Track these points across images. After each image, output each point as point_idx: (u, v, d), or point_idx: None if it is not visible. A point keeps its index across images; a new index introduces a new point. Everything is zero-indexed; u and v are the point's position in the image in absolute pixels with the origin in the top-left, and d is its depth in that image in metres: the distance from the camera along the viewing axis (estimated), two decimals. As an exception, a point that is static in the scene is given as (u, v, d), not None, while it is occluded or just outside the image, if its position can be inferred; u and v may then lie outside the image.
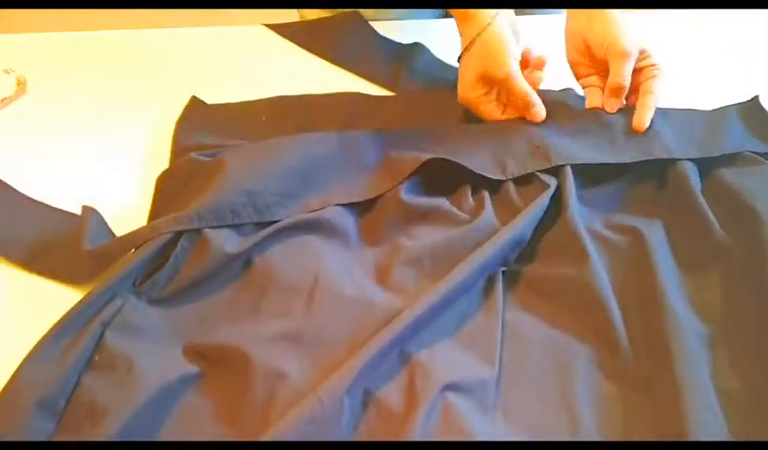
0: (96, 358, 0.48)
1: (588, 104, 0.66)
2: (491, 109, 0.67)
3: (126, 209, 0.61)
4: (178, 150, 0.67)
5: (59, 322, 0.49)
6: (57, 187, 0.65)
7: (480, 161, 0.60)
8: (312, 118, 0.70)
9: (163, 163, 0.67)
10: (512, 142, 0.62)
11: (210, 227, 0.55)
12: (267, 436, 0.41)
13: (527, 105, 0.65)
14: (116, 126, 0.73)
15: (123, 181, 0.66)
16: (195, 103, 0.72)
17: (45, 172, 0.67)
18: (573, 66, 0.69)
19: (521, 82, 0.64)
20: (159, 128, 0.72)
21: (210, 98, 0.74)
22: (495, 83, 0.66)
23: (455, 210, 0.58)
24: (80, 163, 0.68)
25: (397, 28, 0.89)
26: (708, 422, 0.43)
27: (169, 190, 0.61)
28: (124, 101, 0.76)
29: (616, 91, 0.63)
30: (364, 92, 0.75)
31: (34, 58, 0.80)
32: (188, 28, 0.88)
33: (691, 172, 0.59)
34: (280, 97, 0.73)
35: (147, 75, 0.80)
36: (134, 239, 0.55)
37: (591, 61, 0.67)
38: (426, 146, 0.62)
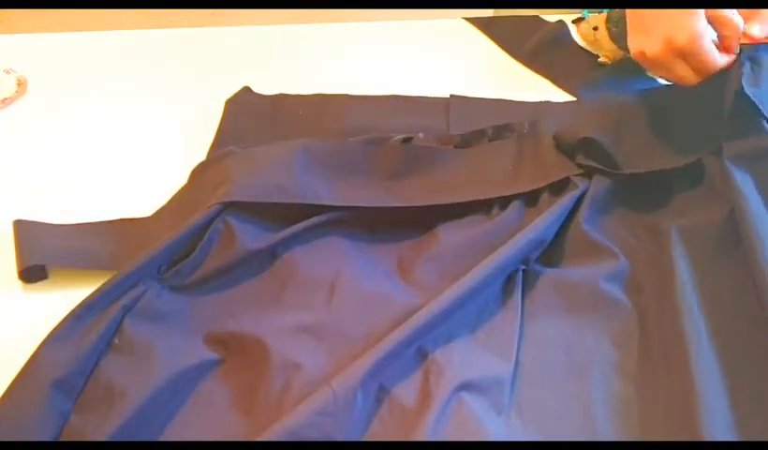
0: (116, 341, 0.48)
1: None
2: (680, 71, 0.59)
3: (126, 210, 0.61)
4: (223, 131, 0.70)
5: (81, 304, 0.49)
6: (57, 187, 0.65)
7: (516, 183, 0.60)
8: (345, 117, 0.71)
9: (161, 164, 0.67)
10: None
11: (256, 203, 0.56)
12: (279, 425, 0.41)
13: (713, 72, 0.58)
14: (117, 126, 0.73)
15: (123, 181, 0.66)
16: (246, 90, 0.76)
17: (45, 173, 0.67)
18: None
19: (714, 55, 0.57)
20: (160, 129, 0.72)
21: (211, 98, 0.75)
22: (689, 56, 0.58)
23: (482, 211, 0.59)
24: (80, 163, 0.68)
25: (398, 27, 0.89)
26: (722, 426, 0.43)
27: (206, 178, 0.62)
28: (124, 102, 0.76)
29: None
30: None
31: (34, 58, 0.80)
32: (187, 29, 0.88)
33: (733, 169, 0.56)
34: (321, 94, 0.75)
35: (147, 76, 0.80)
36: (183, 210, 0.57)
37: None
38: (463, 169, 0.62)
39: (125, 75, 0.80)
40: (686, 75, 0.60)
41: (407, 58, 0.84)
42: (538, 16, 0.90)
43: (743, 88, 0.56)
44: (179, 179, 0.64)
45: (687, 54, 0.58)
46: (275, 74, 0.79)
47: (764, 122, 0.58)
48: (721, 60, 0.58)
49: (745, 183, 0.55)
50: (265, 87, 0.76)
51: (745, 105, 0.57)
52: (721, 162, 0.57)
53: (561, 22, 0.86)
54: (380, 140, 0.64)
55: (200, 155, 0.67)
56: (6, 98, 0.74)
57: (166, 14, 0.89)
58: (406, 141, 0.64)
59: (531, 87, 0.78)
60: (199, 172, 0.63)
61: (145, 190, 0.63)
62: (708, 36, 0.58)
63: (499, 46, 0.86)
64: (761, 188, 0.55)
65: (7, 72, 0.76)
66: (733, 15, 0.58)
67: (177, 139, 0.71)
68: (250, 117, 0.72)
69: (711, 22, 0.58)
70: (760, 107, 0.57)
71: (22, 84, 0.76)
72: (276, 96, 0.75)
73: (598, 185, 0.59)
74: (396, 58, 0.84)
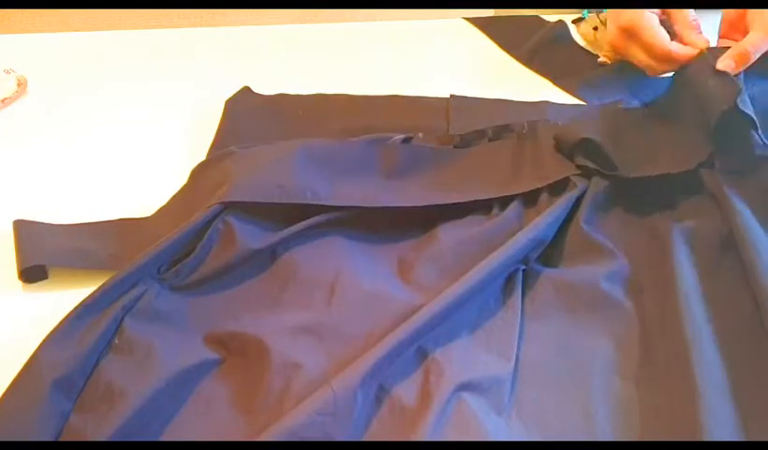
0: (116, 341, 0.48)
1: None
2: (638, 55, 0.68)
3: (127, 210, 0.61)
4: (223, 131, 0.70)
5: (81, 303, 0.49)
6: (57, 187, 0.65)
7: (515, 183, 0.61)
8: (345, 117, 0.71)
9: (161, 164, 0.67)
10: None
11: (256, 203, 0.56)
12: (279, 425, 0.41)
13: (666, 57, 0.65)
14: (117, 126, 0.73)
15: (123, 182, 0.66)
16: (246, 90, 0.76)
17: (45, 173, 0.66)
18: (727, 21, 0.68)
19: (657, 34, 0.65)
20: (160, 129, 0.72)
21: (211, 98, 0.75)
22: (634, 36, 0.67)
23: (482, 210, 0.59)
24: (80, 164, 0.68)
25: (398, 27, 0.89)
26: (725, 428, 0.42)
27: (205, 178, 0.62)
28: (124, 102, 0.76)
29: (740, 56, 0.62)
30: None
31: (34, 58, 0.80)
32: (187, 29, 0.88)
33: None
34: (321, 94, 0.75)
35: (147, 76, 0.80)
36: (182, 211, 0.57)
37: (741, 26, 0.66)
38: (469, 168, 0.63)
39: (126, 75, 0.80)
40: (642, 58, 0.67)
41: (408, 58, 0.84)
42: (538, 16, 0.90)
43: (737, 105, 0.57)
44: (179, 179, 0.64)
45: (632, 34, 0.67)
46: (275, 74, 0.79)
47: (755, 136, 0.59)
48: (675, 47, 0.65)
49: (737, 199, 0.56)
50: (265, 87, 0.76)
51: (737, 120, 0.58)
52: (714, 176, 0.58)
53: (561, 22, 0.86)
54: (380, 140, 0.64)
55: (200, 155, 0.67)
56: (6, 98, 0.74)
57: (166, 14, 0.89)
58: (406, 141, 0.64)
59: (531, 87, 0.78)
60: (198, 173, 0.63)
61: (145, 190, 0.63)
62: (652, 19, 0.66)
63: (499, 45, 0.86)
64: (753, 203, 0.56)
65: (7, 72, 0.76)
66: (683, 11, 0.66)
67: (177, 139, 0.71)
68: (250, 117, 0.72)
69: (666, 18, 0.65)
70: (755, 119, 0.58)
71: (21, 84, 0.76)
72: (276, 96, 0.75)
73: (599, 185, 0.59)
74: (396, 58, 0.84)
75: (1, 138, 0.70)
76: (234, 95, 0.74)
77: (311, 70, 0.81)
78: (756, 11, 0.64)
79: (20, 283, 0.55)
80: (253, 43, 0.86)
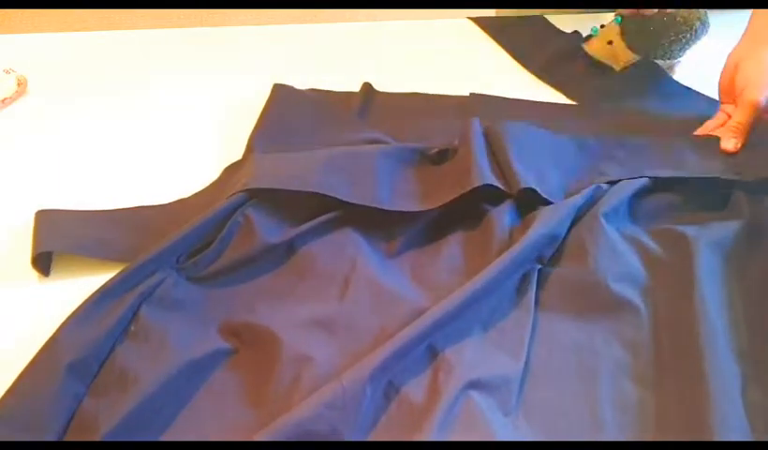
0: (132, 328, 0.49)
1: (708, 125, 0.67)
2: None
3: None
4: (262, 130, 0.69)
5: (100, 289, 0.50)
6: (56, 188, 0.65)
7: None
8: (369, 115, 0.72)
9: (159, 164, 0.67)
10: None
11: (275, 191, 0.56)
12: (286, 417, 0.41)
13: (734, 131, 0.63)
14: (116, 126, 0.72)
15: (122, 183, 0.66)
16: (281, 88, 0.74)
17: (45, 173, 0.66)
18: (722, 90, 0.68)
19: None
20: (160, 129, 0.72)
21: (211, 98, 0.74)
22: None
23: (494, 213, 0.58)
24: (79, 164, 0.68)
25: (404, 27, 0.89)
26: (735, 434, 0.42)
27: (232, 176, 0.62)
28: (123, 102, 0.76)
29: (732, 130, 0.63)
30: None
31: (34, 58, 0.80)
32: (187, 28, 0.88)
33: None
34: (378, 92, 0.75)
35: (147, 75, 0.80)
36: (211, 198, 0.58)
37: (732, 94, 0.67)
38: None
39: (125, 75, 0.80)
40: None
41: (409, 59, 0.84)
42: (543, 17, 0.89)
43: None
44: (179, 179, 0.64)
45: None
46: (275, 74, 0.79)
47: None
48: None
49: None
50: (264, 87, 0.76)
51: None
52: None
53: (575, 34, 0.85)
54: (401, 148, 0.64)
55: (198, 153, 0.67)
56: (6, 98, 0.74)
57: (166, 14, 0.89)
58: (442, 153, 0.64)
59: (533, 87, 0.78)
60: (228, 171, 0.64)
61: (144, 190, 0.63)
62: None
63: (511, 55, 0.84)
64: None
65: (7, 72, 0.76)
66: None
67: (177, 138, 0.71)
68: (290, 110, 0.72)
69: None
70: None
71: (22, 84, 0.75)
72: (317, 91, 0.75)
73: (621, 184, 0.59)
74: (397, 59, 0.84)
75: (1, 138, 0.70)
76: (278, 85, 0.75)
77: (311, 70, 0.81)
78: (741, 84, 0.65)
79: (35, 274, 0.55)
80: (253, 43, 0.86)
